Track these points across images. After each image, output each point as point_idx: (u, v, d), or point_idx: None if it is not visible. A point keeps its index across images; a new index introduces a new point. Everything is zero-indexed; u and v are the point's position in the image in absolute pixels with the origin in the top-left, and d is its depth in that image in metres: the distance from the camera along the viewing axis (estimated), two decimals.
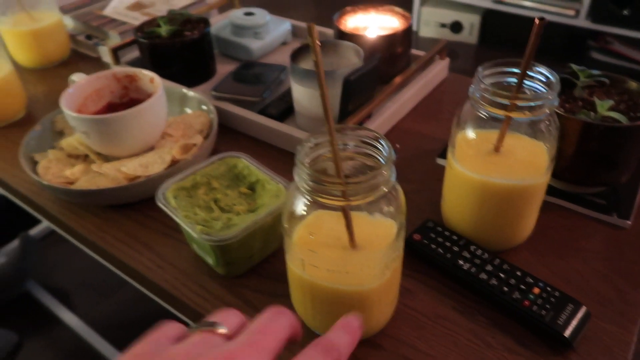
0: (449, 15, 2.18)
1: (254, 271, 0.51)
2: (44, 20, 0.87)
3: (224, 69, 0.84)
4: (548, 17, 1.91)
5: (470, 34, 2.19)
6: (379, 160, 0.37)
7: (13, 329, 1.02)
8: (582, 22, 1.91)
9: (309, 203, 0.37)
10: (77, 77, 0.65)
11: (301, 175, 0.35)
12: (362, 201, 0.36)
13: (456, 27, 2.19)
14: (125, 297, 1.14)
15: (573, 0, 1.92)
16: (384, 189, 0.36)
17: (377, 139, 0.37)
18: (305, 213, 0.38)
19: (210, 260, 0.49)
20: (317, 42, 0.34)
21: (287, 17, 0.94)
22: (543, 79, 0.44)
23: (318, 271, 0.38)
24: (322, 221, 0.38)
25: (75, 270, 1.20)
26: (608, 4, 1.83)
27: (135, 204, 0.59)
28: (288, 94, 0.73)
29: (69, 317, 1.07)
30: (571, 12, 1.93)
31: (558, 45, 2.16)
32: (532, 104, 0.42)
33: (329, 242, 0.38)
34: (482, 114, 0.45)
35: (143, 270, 0.52)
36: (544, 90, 0.44)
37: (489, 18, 2.21)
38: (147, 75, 0.64)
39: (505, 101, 0.42)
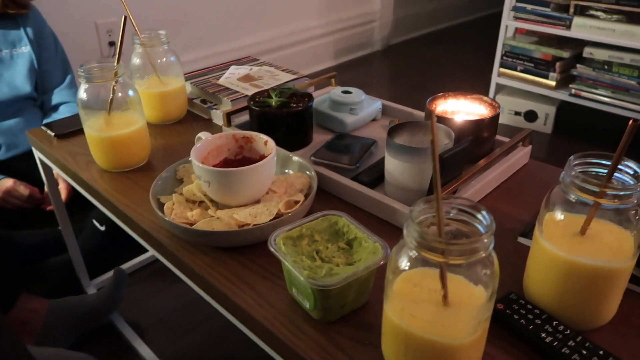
0: (524, 105, 2.24)
1: (344, 319, 0.56)
2: (171, 84, 1.01)
3: (319, 138, 0.93)
4: (624, 113, 1.90)
5: (544, 124, 2.23)
6: (478, 228, 0.43)
7: (95, 355, 1.09)
8: None
9: (413, 257, 0.43)
10: (204, 135, 0.76)
11: (410, 231, 0.41)
12: (459, 261, 0.41)
13: (531, 115, 2.24)
14: (195, 339, 1.20)
15: None
16: (482, 254, 0.41)
17: (479, 210, 0.43)
18: (408, 267, 0.43)
19: (307, 304, 0.55)
20: (435, 125, 0.41)
21: (365, 92, 1.03)
22: (631, 172, 0.49)
23: (416, 321, 0.43)
24: (423, 276, 0.43)
25: (154, 309, 1.28)
26: None
27: (240, 248, 0.67)
28: (378, 164, 0.81)
29: (144, 351, 1.14)
30: None
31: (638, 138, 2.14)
32: (620, 193, 0.46)
33: (429, 296, 0.43)
34: (572, 197, 0.50)
35: (245, 306, 0.58)
36: (631, 182, 0.48)
37: (565, 109, 2.24)
38: (262, 139, 0.74)
39: (596, 188, 0.47)
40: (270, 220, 0.66)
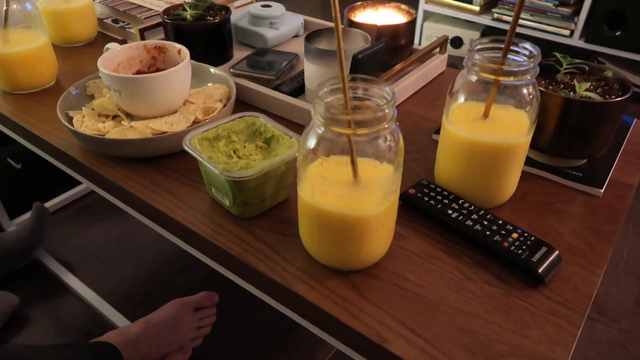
0: (450, 31, 2.27)
1: (265, 215, 0.57)
2: (75, 2, 0.94)
3: (240, 54, 0.91)
4: (545, 36, 1.98)
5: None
6: (382, 102, 0.44)
7: (22, 293, 1.06)
8: (576, 42, 2.01)
9: (321, 138, 0.43)
10: (112, 46, 0.71)
11: (317, 109, 0.42)
12: (366, 131, 0.42)
13: (457, 42, 2.29)
14: (129, 270, 1.20)
15: (568, 21, 2.01)
16: (385, 124, 0.42)
17: (381, 86, 0.44)
18: (317, 147, 0.44)
19: (226, 201, 0.55)
20: (337, 4, 0.41)
21: (297, 10, 1.01)
22: (527, 52, 0.51)
23: (326, 196, 0.44)
24: (330, 157, 0.44)
25: (83, 244, 1.25)
26: (601, 25, 1.92)
27: (157, 158, 0.65)
28: (299, 76, 0.80)
29: (76, 284, 1.12)
30: (566, 32, 2.02)
31: None
32: (516, 69, 0.49)
33: (337, 173, 0.44)
34: (474, 79, 0.52)
35: (165, 210, 0.58)
36: (526, 60, 0.50)
37: (488, 34, 2.30)
38: (175, 47, 0.71)
39: (494, 66, 0.49)
40: (188, 127, 0.64)
